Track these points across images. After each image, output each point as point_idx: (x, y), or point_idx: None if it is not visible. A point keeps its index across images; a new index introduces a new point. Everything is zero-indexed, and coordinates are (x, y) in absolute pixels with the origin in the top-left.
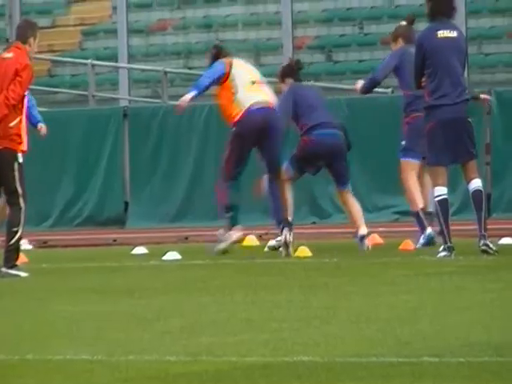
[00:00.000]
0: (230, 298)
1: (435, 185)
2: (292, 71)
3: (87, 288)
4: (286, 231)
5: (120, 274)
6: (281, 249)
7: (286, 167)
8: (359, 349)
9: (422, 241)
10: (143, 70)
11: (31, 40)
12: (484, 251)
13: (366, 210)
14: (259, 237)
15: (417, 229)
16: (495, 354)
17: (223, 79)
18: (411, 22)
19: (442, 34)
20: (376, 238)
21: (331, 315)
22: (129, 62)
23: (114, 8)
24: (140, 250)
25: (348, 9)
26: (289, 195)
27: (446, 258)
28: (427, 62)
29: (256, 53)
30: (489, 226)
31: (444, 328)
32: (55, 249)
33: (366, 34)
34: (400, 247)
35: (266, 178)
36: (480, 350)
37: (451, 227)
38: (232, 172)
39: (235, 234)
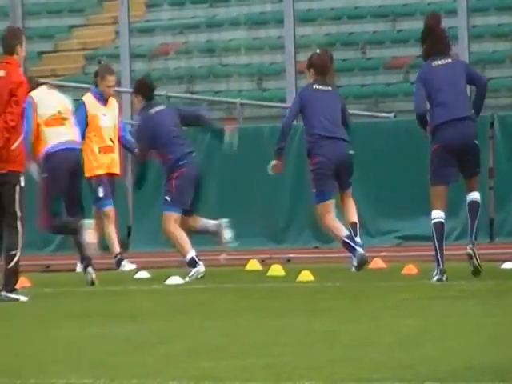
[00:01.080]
0: (233, 322)
1: (433, 207)
2: (143, 89)
3: (90, 312)
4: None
5: (122, 298)
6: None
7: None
8: (362, 373)
9: (355, 263)
10: None
11: (18, 48)
12: (469, 255)
13: (369, 234)
14: (262, 261)
15: (419, 253)
16: (498, 379)
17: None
18: (325, 50)
19: (437, 63)
20: (379, 263)
21: (334, 339)
22: (131, 87)
23: (117, 32)
24: (143, 274)
25: (350, 33)
26: None
27: (444, 282)
28: (427, 89)
29: (259, 77)
30: (492, 251)
31: (447, 352)
32: (58, 273)
33: (368, 59)
34: (403, 271)
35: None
36: (483, 374)
37: (453, 251)
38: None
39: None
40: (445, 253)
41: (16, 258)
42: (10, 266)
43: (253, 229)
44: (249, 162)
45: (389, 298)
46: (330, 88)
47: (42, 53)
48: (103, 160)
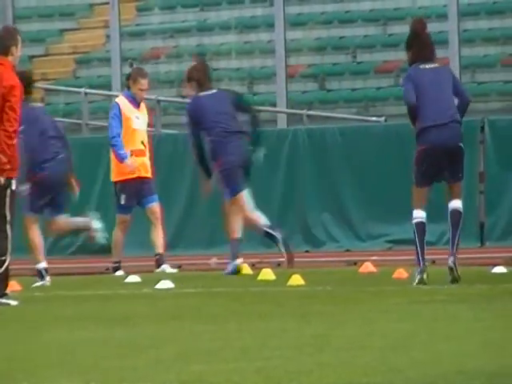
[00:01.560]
0: (224, 326)
1: (414, 207)
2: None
3: (80, 316)
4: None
5: (113, 303)
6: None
7: None
8: (352, 377)
9: (229, 268)
10: None
11: (13, 49)
12: (451, 269)
13: (360, 238)
14: (252, 265)
15: (409, 257)
16: (488, 383)
17: None
18: (202, 61)
19: (424, 66)
20: (369, 267)
21: (324, 343)
22: (122, 91)
23: (108, 36)
24: (133, 278)
25: (341, 37)
26: None
27: (436, 287)
28: (415, 89)
29: (249, 81)
30: (482, 255)
31: (437, 356)
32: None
33: (359, 63)
34: (393, 275)
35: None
36: (473, 379)
37: (444, 256)
38: None
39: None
40: (434, 257)
41: (6, 264)
42: (0, 271)
43: (243, 233)
44: None
45: (379, 302)
46: (215, 91)
47: (33, 57)
48: (134, 163)
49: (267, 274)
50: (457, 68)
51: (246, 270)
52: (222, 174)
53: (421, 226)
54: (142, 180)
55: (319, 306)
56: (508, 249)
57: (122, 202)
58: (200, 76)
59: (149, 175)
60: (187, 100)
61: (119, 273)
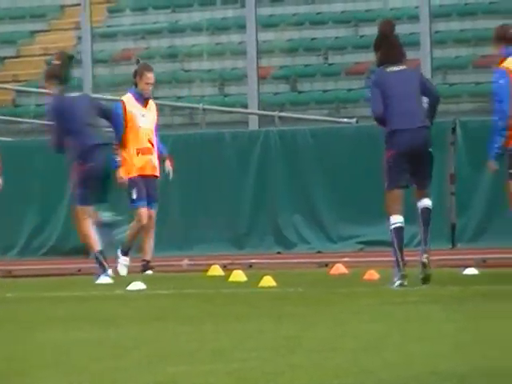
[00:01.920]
0: (200, 328)
1: (391, 213)
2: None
3: (53, 317)
4: None
5: (86, 304)
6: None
7: None
8: (324, 378)
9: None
10: (108, 100)
11: None
12: (424, 265)
13: (331, 240)
14: (224, 267)
15: (380, 258)
16: (460, 383)
17: None
18: (64, 59)
19: (391, 69)
20: (340, 268)
21: (296, 345)
22: (93, 92)
23: (79, 38)
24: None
25: (313, 39)
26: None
27: (406, 288)
28: (382, 94)
29: (221, 82)
30: (453, 257)
31: (409, 357)
32: (20, 278)
33: (330, 64)
34: (364, 277)
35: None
36: (445, 380)
37: (415, 257)
38: None
39: None
40: (406, 259)
41: None
42: None
43: (215, 234)
44: (210, 167)
45: (351, 303)
46: (78, 94)
47: (4, 58)
48: (139, 162)
49: (238, 275)
50: (428, 69)
51: (217, 271)
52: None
53: (400, 232)
54: (148, 178)
55: (291, 307)
56: (479, 250)
57: (134, 197)
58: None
59: (155, 173)
60: (159, 102)
61: (148, 272)
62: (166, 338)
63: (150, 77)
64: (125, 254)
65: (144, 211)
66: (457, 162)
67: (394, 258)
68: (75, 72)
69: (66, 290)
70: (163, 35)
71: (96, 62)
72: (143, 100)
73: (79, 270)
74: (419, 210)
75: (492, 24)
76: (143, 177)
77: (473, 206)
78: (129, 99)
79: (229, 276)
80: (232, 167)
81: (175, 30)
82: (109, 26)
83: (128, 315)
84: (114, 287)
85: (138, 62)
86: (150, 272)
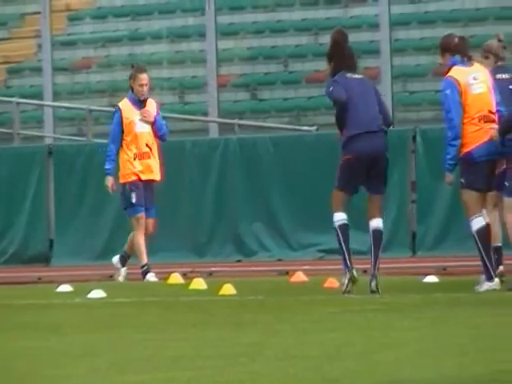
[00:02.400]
0: (159, 336)
1: (335, 210)
2: None
3: (13, 325)
4: None
5: (46, 312)
6: None
7: None
8: None
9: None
10: (68, 108)
11: None
12: (373, 292)
13: (291, 247)
14: (183, 275)
15: (340, 266)
16: None
17: None
18: None
19: (350, 75)
20: (300, 276)
21: (257, 353)
22: (54, 100)
23: (39, 46)
24: (65, 287)
25: (273, 47)
26: None
27: (367, 295)
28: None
29: (181, 90)
30: (414, 265)
31: (371, 365)
32: None
33: (290, 72)
34: (324, 285)
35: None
36: None
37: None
38: None
39: None
40: (366, 267)
41: None
42: None
43: (175, 242)
44: (171, 176)
45: (312, 311)
46: None
47: None
48: (138, 166)
49: (198, 283)
50: (388, 77)
51: (177, 279)
52: None
53: (345, 229)
54: (147, 183)
55: (251, 315)
56: (439, 258)
57: (133, 201)
58: None
59: (154, 178)
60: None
61: (150, 276)
62: (124, 346)
63: (143, 78)
64: (147, 272)
65: (143, 217)
66: (417, 170)
67: (341, 257)
68: (36, 80)
69: (24, 299)
70: (123, 43)
71: (56, 69)
72: (140, 103)
73: (39, 278)
74: (370, 231)
75: (452, 32)
76: (141, 181)
77: (433, 213)
78: (125, 105)
79: (189, 284)
80: (192, 175)
81: (135, 38)
82: (69, 34)
83: (87, 323)
84: (74, 295)
85: (132, 66)
86: (152, 274)
